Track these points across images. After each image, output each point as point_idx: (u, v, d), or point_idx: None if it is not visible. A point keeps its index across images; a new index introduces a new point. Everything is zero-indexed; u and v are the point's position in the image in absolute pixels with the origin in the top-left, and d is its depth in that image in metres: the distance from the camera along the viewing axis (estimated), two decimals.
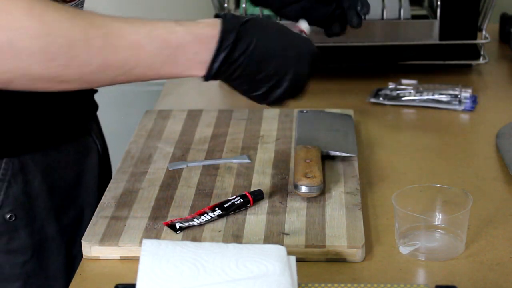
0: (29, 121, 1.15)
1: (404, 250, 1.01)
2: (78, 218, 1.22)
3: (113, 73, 0.95)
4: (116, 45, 0.92)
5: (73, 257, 1.21)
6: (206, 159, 1.22)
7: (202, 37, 0.97)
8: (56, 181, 1.19)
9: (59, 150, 1.20)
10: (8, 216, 1.14)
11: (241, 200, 1.07)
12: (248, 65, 0.99)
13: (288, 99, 1.04)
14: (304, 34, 1.15)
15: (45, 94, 1.03)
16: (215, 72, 0.99)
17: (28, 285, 1.18)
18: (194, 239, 1.01)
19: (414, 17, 1.62)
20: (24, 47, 0.87)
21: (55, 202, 1.19)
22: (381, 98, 1.48)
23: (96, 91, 1.31)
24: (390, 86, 1.51)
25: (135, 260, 0.93)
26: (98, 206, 1.09)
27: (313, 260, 0.99)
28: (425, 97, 1.45)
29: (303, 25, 1.17)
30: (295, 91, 1.03)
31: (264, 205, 1.08)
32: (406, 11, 1.59)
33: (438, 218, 1.03)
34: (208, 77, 1.00)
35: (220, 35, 0.97)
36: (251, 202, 1.07)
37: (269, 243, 0.99)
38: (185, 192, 1.12)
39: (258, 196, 1.08)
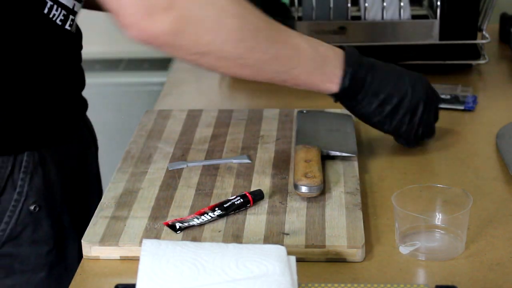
0: (47, 115, 1.17)
1: (404, 250, 1.01)
2: (86, 209, 1.25)
3: (279, 68, 1.08)
4: (285, 42, 1.07)
5: None
6: (206, 159, 1.22)
7: (339, 53, 1.13)
8: (67, 173, 1.22)
9: (66, 143, 1.23)
10: (32, 208, 1.17)
11: (241, 200, 1.07)
12: (372, 83, 1.15)
13: (416, 128, 1.21)
14: None
15: (60, 91, 1.13)
16: (346, 87, 1.13)
17: (51, 275, 1.20)
18: (194, 239, 1.01)
19: (414, 17, 1.62)
20: (226, 24, 1.01)
21: (68, 193, 1.22)
22: None
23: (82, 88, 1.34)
24: None
25: (135, 260, 0.93)
26: (98, 206, 1.09)
27: (313, 260, 0.99)
28: None
29: None
30: (417, 118, 1.19)
31: (264, 205, 1.08)
32: (406, 11, 1.59)
33: (438, 218, 1.03)
34: (340, 92, 1.14)
35: (346, 55, 1.13)
36: (251, 202, 1.07)
37: (269, 243, 0.99)
38: (185, 192, 1.12)
39: (258, 196, 1.08)
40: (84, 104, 1.27)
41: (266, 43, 1.05)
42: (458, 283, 0.94)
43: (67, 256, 1.22)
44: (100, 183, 1.38)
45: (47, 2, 1.10)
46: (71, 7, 1.14)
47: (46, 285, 1.20)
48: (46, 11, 1.11)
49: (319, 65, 1.11)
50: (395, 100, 1.17)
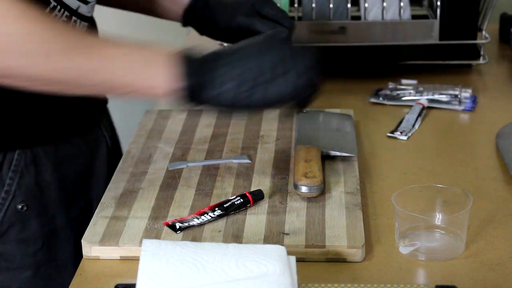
0: (41, 113, 1.17)
1: (404, 250, 1.01)
2: (87, 209, 1.24)
3: (97, 81, 0.99)
4: (98, 55, 0.98)
5: (81, 248, 1.22)
6: (206, 159, 1.22)
7: (169, 53, 1.00)
8: (66, 173, 1.22)
9: (69, 143, 1.23)
10: (20, 207, 1.17)
11: (241, 200, 1.07)
12: (218, 71, 1.00)
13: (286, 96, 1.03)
14: None
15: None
16: (190, 84, 0.99)
17: (38, 274, 1.20)
18: (194, 239, 1.01)
19: (414, 17, 1.62)
20: (31, 50, 0.95)
21: (65, 194, 1.22)
22: (381, 98, 1.48)
23: None
24: (390, 86, 1.51)
25: (135, 260, 0.93)
26: (98, 206, 1.09)
27: (313, 260, 0.99)
28: (425, 97, 1.45)
29: None
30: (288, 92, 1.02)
31: (264, 205, 1.08)
32: (406, 11, 1.59)
33: (438, 218, 1.03)
34: (182, 91, 1.00)
35: (181, 53, 1.01)
36: (251, 202, 1.07)
37: (269, 243, 0.99)
38: (185, 192, 1.12)
39: (258, 196, 1.08)
40: (87, 105, 1.27)
41: (78, 60, 0.98)
42: (458, 283, 0.94)
43: (58, 257, 1.22)
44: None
45: (50, 2, 1.11)
46: (74, 8, 1.15)
47: (33, 284, 1.20)
48: (48, 10, 1.11)
49: (143, 70, 1.00)
50: (249, 74, 1.00)
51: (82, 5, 1.16)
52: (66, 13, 1.13)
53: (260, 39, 1.04)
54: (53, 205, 1.20)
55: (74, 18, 1.15)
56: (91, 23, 1.24)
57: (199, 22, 1.33)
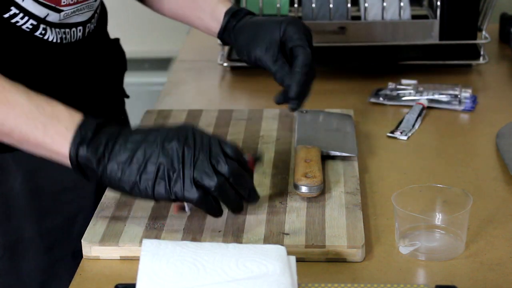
0: None
1: (404, 250, 1.01)
2: (67, 222, 1.19)
3: None
4: None
5: (55, 260, 1.19)
6: None
7: (76, 117, 0.98)
8: (41, 183, 1.17)
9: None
10: None
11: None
12: (114, 147, 0.96)
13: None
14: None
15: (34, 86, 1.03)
16: (78, 153, 0.96)
17: None
18: (194, 239, 1.01)
19: (414, 17, 1.63)
20: None
21: (37, 205, 1.17)
22: (381, 98, 1.48)
23: (107, 91, 1.29)
24: (390, 86, 1.51)
25: (135, 260, 0.93)
26: (98, 206, 1.09)
27: (313, 260, 0.99)
28: (425, 97, 1.45)
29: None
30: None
31: (264, 205, 1.08)
32: (406, 11, 1.59)
33: (438, 218, 1.03)
34: (72, 161, 0.97)
35: (83, 120, 0.98)
36: (252, 164, 1.04)
37: (269, 243, 0.99)
38: None
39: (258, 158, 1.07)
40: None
41: None
42: (458, 283, 0.94)
43: (21, 268, 1.18)
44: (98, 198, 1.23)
45: (10, 9, 1.07)
46: (42, 16, 1.10)
47: None
48: (7, 16, 1.08)
49: (39, 124, 0.96)
50: (142, 159, 0.96)
51: (52, 13, 1.11)
52: (31, 21, 1.09)
53: (168, 130, 0.98)
54: (20, 215, 1.16)
55: (42, 26, 1.11)
56: (74, 27, 1.17)
57: (231, 45, 1.29)
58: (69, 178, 1.17)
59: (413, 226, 1.01)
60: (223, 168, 0.96)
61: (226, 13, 1.25)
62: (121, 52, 1.36)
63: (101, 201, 1.10)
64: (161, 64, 2.79)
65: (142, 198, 0.98)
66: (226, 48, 1.65)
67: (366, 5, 1.60)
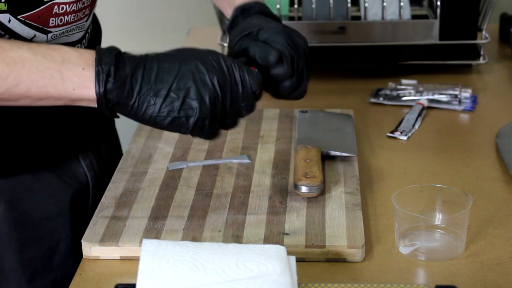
0: None
1: (404, 250, 1.01)
2: (48, 251, 1.14)
3: None
4: None
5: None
6: (206, 159, 1.22)
7: (86, 54, 0.92)
8: (27, 211, 1.12)
9: (37, 178, 1.13)
10: None
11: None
12: (143, 79, 0.92)
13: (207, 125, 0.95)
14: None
15: (20, 112, 0.99)
16: (106, 90, 0.91)
17: None
18: (194, 239, 1.01)
19: (414, 17, 1.62)
20: None
21: (20, 234, 1.11)
22: (381, 98, 1.48)
23: (103, 119, 1.24)
24: (390, 86, 1.51)
25: (135, 260, 0.93)
26: (98, 206, 1.09)
27: (313, 260, 0.99)
28: (425, 97, 1.45)
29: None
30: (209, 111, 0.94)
31: (264, 205, 1.08)
32: (406, 11, 1.59)
33: (438, 218, 1.03)
34: (100, 98, 0.91)
35: (98, 53, 0.93)
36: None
37: (269, 243, 0.99)
38: (185, 192, 1.12)
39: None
40: (61, 134, 1.11)
41: None
42: (458, 283, 0.94)
43: None
44: (75, 227, 1.18)
45: None
46: (29, 38, 1.05)
47: None
48: None
49: (54, 74, 0.91)
50: (181, 94, 0.92)
51: (39, 34, 1.05)
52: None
53: (194, 51, 0.95)
54: (2, 245, 1.11)
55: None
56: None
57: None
58: (53, 206, 1.14)
59: (413, 226, 1.01)
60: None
61: (236, 8, 1.16)
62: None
63: (101, 201, 1.11)
64: None
65: (175, 131, 0.95)
66: (226, 48, 1.65)
67: (366, 5, 1.60)
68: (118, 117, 0.96)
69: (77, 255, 1.05)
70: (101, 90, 0.90)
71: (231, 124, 0.98)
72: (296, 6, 1.59)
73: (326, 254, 0.99)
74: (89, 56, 0.92)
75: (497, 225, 1.07)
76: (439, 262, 0.99)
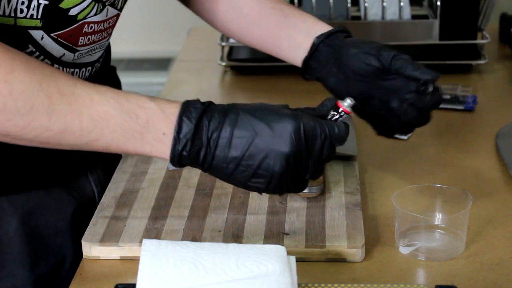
0: (8, 159, 1.07)
1: (404, 250, 1.01)
2: (56, 268, 1.13)
3: (73, 141, 0.91)
4: (80, 114, 0.90)
5: None
6: None
7: (171, 117, 0.91)
8: (38, 227, 1.11)
9: (48, 194, 1.12)
10: None
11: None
12: (219, 141, 0.91)
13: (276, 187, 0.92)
14: (345, 114, 0.97)
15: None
16: (181, 157, 0.91)
17: None
18: (194, 239, 1.01)
19: (414, 17, 1.62)
20: None
21: (32, 250, 1.10)
22: None
23: None
24: None
25: (135, 260, 0.93)
26: (98, 206, 1.09)
27: (313, 260, 0.99)
28: None
29: (346, 103, 0.97)
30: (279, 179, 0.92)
31: (264, 205, 1.08)
32: (406, 11, 1.59)
33: (438, 218, 1.03)
34: (173, 161, 0.92)
35: (181, 108, 0.91)
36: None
37: (269, 243, 0.99)
38: (185, 192, 1.12)
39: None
40: (61, 154, 1.05)
41: (48, 120, 0.89)
42: (458, 283, 0.94)
43: None
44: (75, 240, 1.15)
45: (28, 47, 1.02)
46: (58, 56, 1.05)
47: None
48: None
49: (135, 135, 0.91)
50: (253, 164, 0.91)
51: (67, 53, 1.05)
52: (46, 60, 1.04)
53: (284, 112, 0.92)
54: (14, 262, 1.09)
55: (56, 66, 1.06)
56: (82, 67, 1.11)
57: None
58: (62, 222, 1.14)
59: (413, 226, 1.01)
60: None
61: (319, 35, 1.13)
62: (117, 81, 1.30)
63: (101, 201, 1.11)
64: (161, 64, 2.79)
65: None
66: (226, 48, 1.65)
67: (366, 5, 1.60)
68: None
69: None
70: (175, 159, 0.91)
71: (313, 176, 0.94)
72: (296, 6, 1.59)
73: (326, 254, 0.99)
74: (173, 119, 0.91)
75: (497, 225, 1.07)
76: (439, 262, 0.99)
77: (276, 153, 0.90)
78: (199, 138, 0.91)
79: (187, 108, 0.91)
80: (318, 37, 1.13)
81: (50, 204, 1.12)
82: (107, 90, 0.92)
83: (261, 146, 0.91)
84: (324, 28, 1.15)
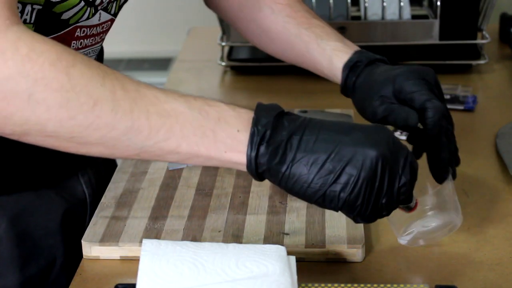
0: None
1: (403, 241, 1.00)
2: (46, 269, 1.12)
3: (141, 142, 0.84)
4: (147, 111, 0.83)
5: None
6: None
7: (244, 114, 0.86)
8: (28, 228, 1.10)
9: (38, 194, 1.11)
10: None
11: None
12: (299, 146, 0.84)
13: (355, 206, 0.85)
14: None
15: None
16: (261, 154, 0.84)
17: None
18: (194, 239, 1.01)
19: (414, 17, 1.63)
20: (43, 100, 0.81)
21: (22, 251, 1.09)
22: None
23: None
24: None
25: (135, 260, 0.93)
26: (98, 206, 1.10)
27: (313, 260, 0.99)
28: None
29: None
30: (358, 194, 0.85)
31: (264, 205, 1.08)
32: (406, 11, 1.59)
33: (426, 202, 1.00)
34: (251, 164, 0.85)
35: (256, 112, 0.86)
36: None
37: (269, 243, 0.99)
38: (185, 192, 1.12)
39: None
40: (52, 155, 0.99)
41: (112, 116, 0.82)
42: (458, 283, 0.94)
43: None
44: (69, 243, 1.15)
45: None
46: None
47: None
48: None
49: (207, 132, 0.85)
50: (338, 166, 0.84)
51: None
52: None
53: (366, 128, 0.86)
54: (3, 264, 1.08)
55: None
56: None
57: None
58: (52, 223, 1.13)
59: (405, 216, 0.98)
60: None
61: (344, 68, 1.09)
62: None
63: (101, 201, 1.11)
64: (161, 64, 2.79)
65: (322, 206, 0.87)
66: (226, 48, 1.65)
67: (366, 5, 1.60)
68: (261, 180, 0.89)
69: (70, 272, 1.04)
70: (253, 153, 0.84)
71: (386, 207, 0.87)
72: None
73: (326, 254, 0.99)
74: (247, 117, 0.85)
75: (497, 225, 1.07)
76: (439, 262, 0.99)
77: (366, 153, 0.84)
78: (279, 132, 0.84)
79: (261, 105, 0.86)
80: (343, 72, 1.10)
81: (40, 205, 1.12)
82: (172, 91, 0.87)
83: (349, 143, 0.84)
84: (344, 56, 1.10)
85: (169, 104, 0.84)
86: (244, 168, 0.85)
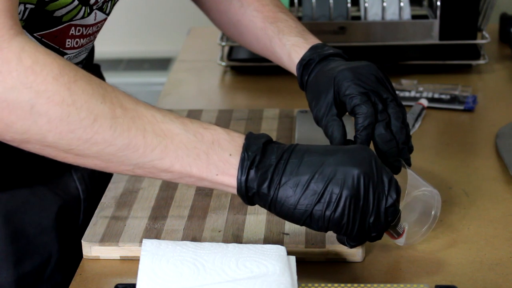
0: None
1: (399, 242, 1.00)
2: (41, 266, 1.13)
3: (136, 159, 0.87)
4: (144, 130, 0.86)
5: None
6: None
7: (237, 138, 0.90)
8: (22, 225, 1.10)
9: (32, 191, 1.12)
10: None
11: None
12: (285, 169, 0.87)
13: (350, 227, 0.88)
14: None
15: None
16: (251, 178, 0.88)
17: None
18: (194, 239, 1.01)
19: (414, 17, 1.62)
20: (44, 112, 0.83)
21: (17, 248, 1.10)
22: None
23: None
24: None
25: (135, 260, 0.93)
26: (98, 206, 1.09)
27: (313, 260, 0.99)
28: (425, 97, 1.45)
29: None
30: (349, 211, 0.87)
31: None
32: (406, 11, 1.59)
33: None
34: (240, 187, 0.88)
35: (247, 138, 0.90)
36: None
37: (269, 243, 0.99)
38: (185, 192, 1.12)
39: None
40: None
41: (110, 133, 0.85)
42: (458, 283, 0.94)
43: None
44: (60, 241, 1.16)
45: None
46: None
47: None
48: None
49: (200, 155, 0.88)
50: (322, 185, 0.87)
51: None
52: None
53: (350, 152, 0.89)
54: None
55: None
56: None
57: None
58: (46, 220, 1.13)
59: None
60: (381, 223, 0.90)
61: (298, 65, 1.11)
62: (102, 79, 1.28)
63: (101, 201, 1.11)
64: (161, 64, 2.79)
65: (311, 228, 0.89)
66: (226, 48, 1.65)
67: (366, 5, 1.60)
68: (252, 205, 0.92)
69: (65, 270, 1.04)
70: (243, 177, 0.87)
71: (374, 227, 0.89)
72: (296, 6, 1.59)
73: (326, 254, 0.99)
74: (240, 141, 0.89)
75: (497, 225, 1.07)
76: (439, 262, 0.99)
77: (347, 171, 0.87)
78: (268, 157, 0.88)
79: (252, 134, 0.91)
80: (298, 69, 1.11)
81: (34, 202, 1.12)
82: (169, 112, 0.90)
83: (331, 163, 0.87)
84: (300, 52, 1.12)
85: (166, 125, 0.88)
86: (234, 191, 0.89)
